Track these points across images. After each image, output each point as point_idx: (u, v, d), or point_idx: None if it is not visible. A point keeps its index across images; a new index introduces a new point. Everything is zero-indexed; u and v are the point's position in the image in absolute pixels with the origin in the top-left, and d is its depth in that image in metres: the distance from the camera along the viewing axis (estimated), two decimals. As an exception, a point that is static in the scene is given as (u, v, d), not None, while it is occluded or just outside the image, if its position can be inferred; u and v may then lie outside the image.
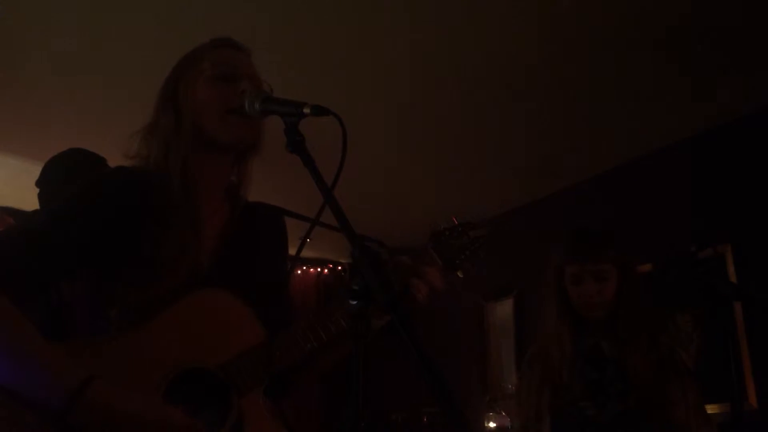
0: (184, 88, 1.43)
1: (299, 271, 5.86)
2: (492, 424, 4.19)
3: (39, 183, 2.23)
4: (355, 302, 1.05)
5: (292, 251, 1.52)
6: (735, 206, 3.58)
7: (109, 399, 1.12)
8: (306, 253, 4.83)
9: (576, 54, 3.21)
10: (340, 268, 6.14)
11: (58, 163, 2.23)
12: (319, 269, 6.01)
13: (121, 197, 1.35)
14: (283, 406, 1.34)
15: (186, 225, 1.36)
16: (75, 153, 2.24)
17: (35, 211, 2.15)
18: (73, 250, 1.30)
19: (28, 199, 2.35)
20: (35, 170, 2.26)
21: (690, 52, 3.14)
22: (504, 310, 4.94)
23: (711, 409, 3.36)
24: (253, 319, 1.33)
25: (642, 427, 2.07)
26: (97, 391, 1.12)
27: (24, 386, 1.12)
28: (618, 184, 4.28)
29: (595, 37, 3.07)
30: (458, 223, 1.52)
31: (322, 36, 3.13)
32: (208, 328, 1.30)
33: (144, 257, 1.31)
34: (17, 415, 1.10)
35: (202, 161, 1.43)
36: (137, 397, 1.16)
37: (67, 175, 2.13)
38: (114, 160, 2.05)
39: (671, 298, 3.48)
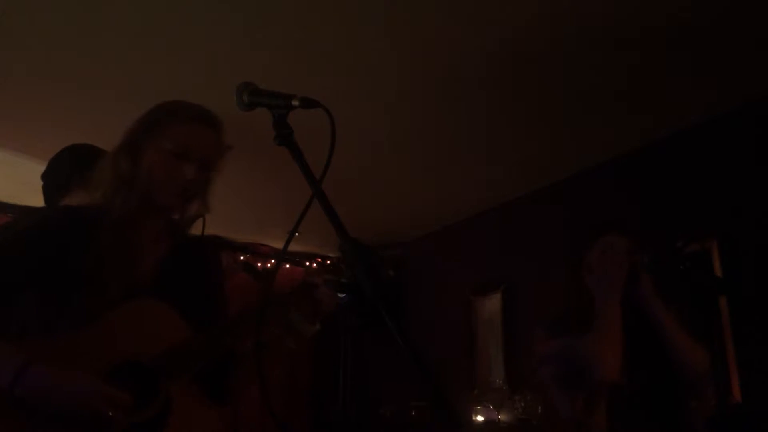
0: (146, 147, 1.56)
1: (287, 266, 5.84)
2: (480, 418, 4.21)
3: (44, 176, 2.23)
4: (344, 295, 1.05)
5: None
6: (721, 202, 3.60)
7: (47, 372, 1.34)
8: (293, 247, 4.82)
9: (562, 53, 3.21)
10: (329, 262, 6.12)
11: (63, 158, 2.22)
12: (307, 264, 5.97)
13: (62, 236, 1.51)
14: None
15: (121, 258, 1.52)
16: (80, 147, 2.23)
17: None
18: (18, 277, 1.46)
19: (20, 194, 2.33)
20: (24, 163, 2.25)
21: (674, 50, 3.16)
22: (492, 304, 4.96)
23: (696, 402, 3.40)
24: (181, 322, 1.52)
25: None
26: (36, 368, 1.33)
27: None
28: (605, 180, 4.30)
29: (583, 36, 3.07)
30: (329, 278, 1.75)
31: (313, 33, 3.12)
32: (141, 328, 1.49)
33: (84, 285, 1.45)
34: None
35: (145, 209, 1.58)
36: (70, 372, 1.36)
37: (71, 169, 2.12)
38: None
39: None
